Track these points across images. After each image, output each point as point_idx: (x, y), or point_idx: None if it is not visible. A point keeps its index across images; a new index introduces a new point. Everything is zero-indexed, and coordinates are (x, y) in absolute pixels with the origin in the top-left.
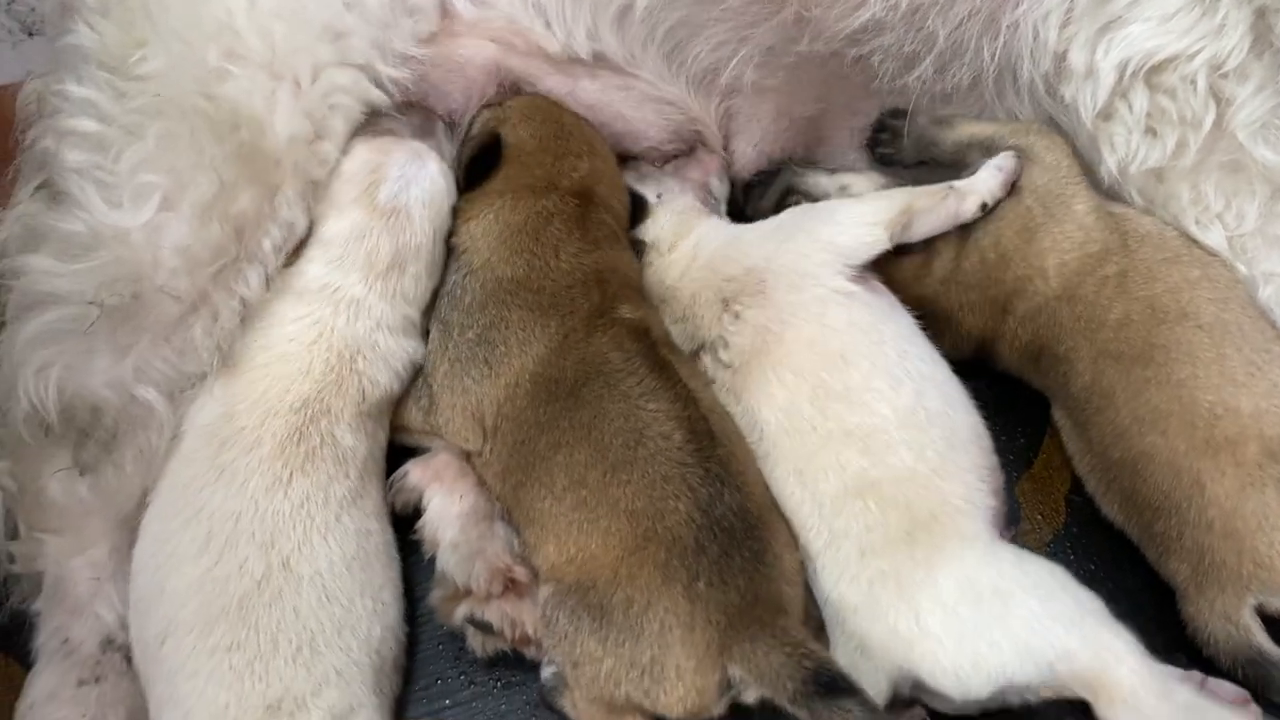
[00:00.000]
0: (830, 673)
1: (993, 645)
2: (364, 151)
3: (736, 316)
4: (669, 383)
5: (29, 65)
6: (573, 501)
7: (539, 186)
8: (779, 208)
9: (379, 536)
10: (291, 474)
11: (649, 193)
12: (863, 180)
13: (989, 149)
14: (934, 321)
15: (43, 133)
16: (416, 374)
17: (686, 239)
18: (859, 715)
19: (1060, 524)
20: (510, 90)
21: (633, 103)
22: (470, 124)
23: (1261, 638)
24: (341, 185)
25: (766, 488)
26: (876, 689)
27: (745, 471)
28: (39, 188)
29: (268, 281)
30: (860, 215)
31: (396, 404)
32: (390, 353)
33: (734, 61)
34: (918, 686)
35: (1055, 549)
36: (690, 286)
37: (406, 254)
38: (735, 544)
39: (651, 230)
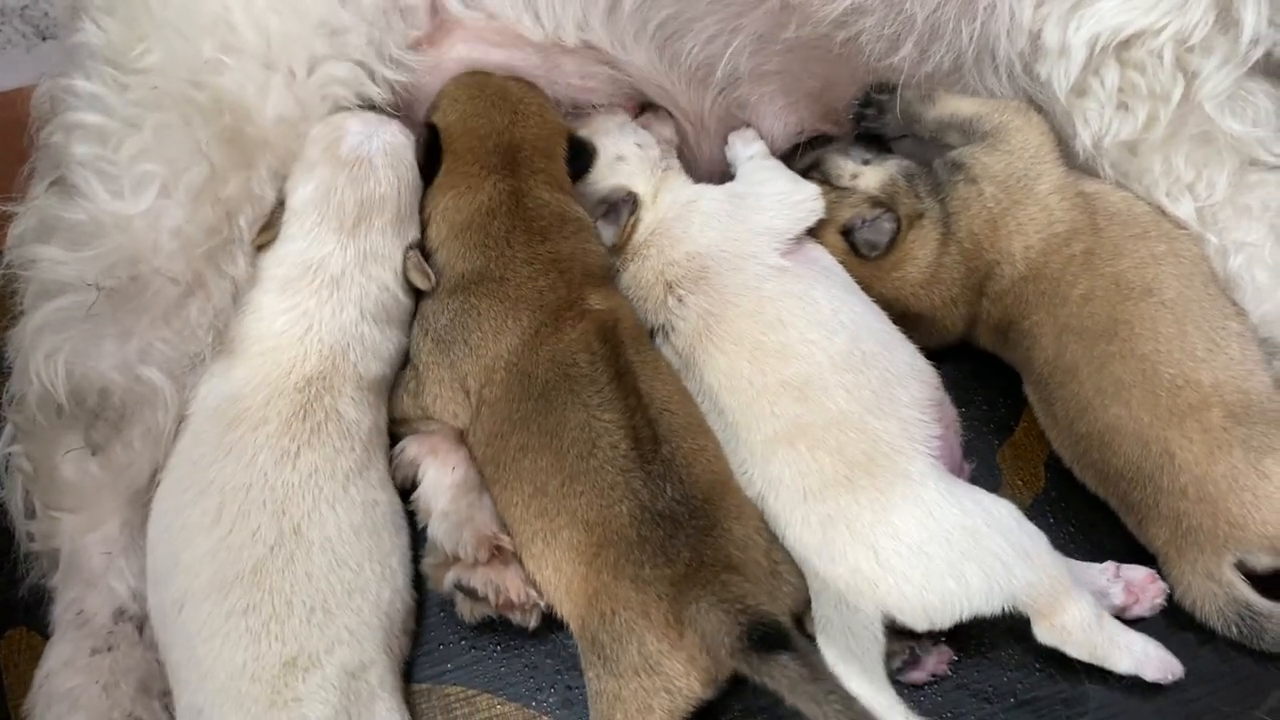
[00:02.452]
0: (766, 626)
1: (961, 582)
2: (327, 120)
3: (680, 300)
4: (623, 392)
5: (43, 68)
6: (537, 509)
7: (474, 172)
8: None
9: (385, 506)
10: (299, 448)
11: (625, 144)
12: (872, 170)
13: (966, 128)
14: (914, 322)
15: (54, 129)
16: (406, 361)
17: (664, 193)
18: (795, 669)
19: (1040, 488)
20: None
21: (618, 79)
22: None
23: (1246, 590)
24: (307, 149)
25: (718, 467)
26: (874, 627)
27: (693, 462)
28: (53, 183)
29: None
30: (788, 196)
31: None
32: (376, 345)
33: (728, 53)
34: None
35: (1035, 512)
36: (636, 267)
37: (372, 205)
38: (679, 526)
39: (640, 185)
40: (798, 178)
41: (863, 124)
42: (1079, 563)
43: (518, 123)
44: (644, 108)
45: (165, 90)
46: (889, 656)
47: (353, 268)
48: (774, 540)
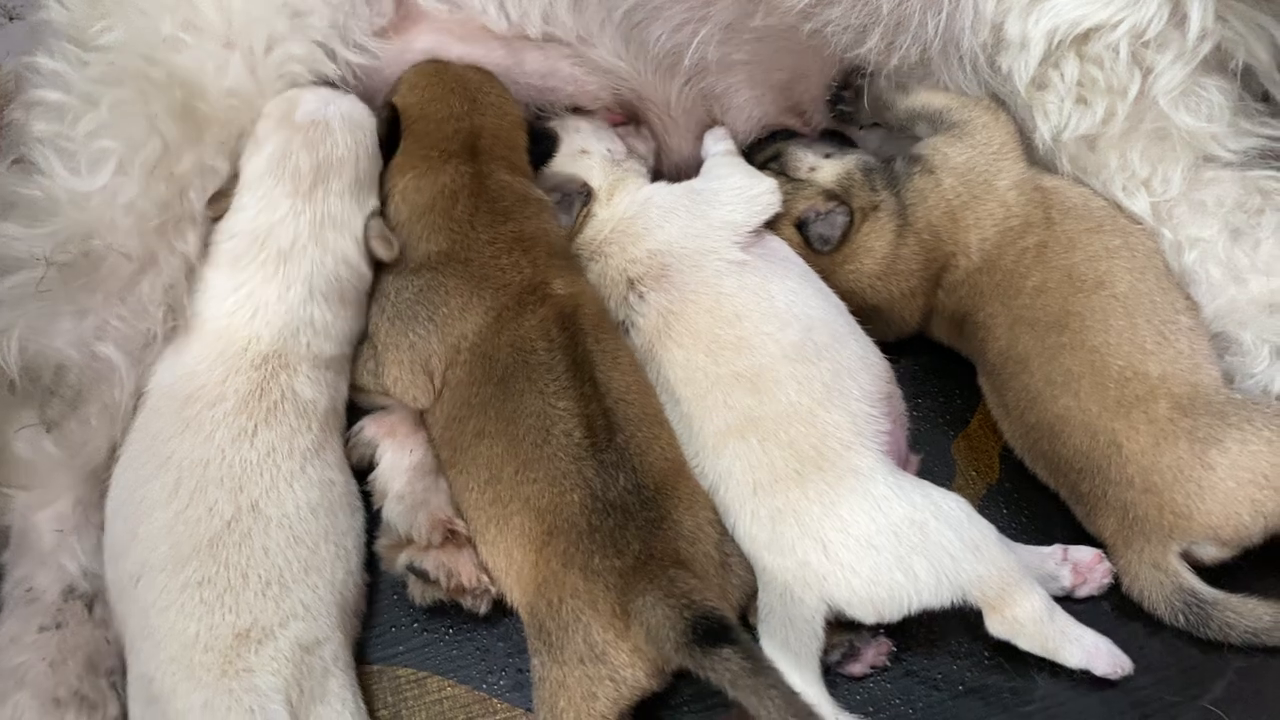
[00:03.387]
0: (710, 621)
1: (909, 575)
2: (281, 95)
3: (641, 297)
4: (579, 380)
5: (10, 49)
6: (491, 496)
7: (433, 155)
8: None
9: (342, 487)
10: (256, 426)
11: (594, 143)
12: (831, 164)
13: (935, 119)
14: (872, 314)
15: (16, 107)
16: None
17: (620, 193)
18: (738, 663)
19: (994, 479)
20: None
21: (583, 70)
22: None
23: (1190, 578)
24: (260, 123)
25: (673, 460)
26: (814, 621)
27: (646, 451)
28: (15, 161)
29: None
30: (745, 190)
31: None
32: (327, 325)
33: (695, 41)
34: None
35: (988, 502)
36: (600, 266)
37: (329, 167)
38: (629, 516)
39: (597, 179)
40: (755, 172)
41: (838, 106)
42: (1027, 547)
43: (476, 111)
44: (626, 121)
45: (123, 66)
46: (828, 649)
47: (305, 237)
48: (725, 533)
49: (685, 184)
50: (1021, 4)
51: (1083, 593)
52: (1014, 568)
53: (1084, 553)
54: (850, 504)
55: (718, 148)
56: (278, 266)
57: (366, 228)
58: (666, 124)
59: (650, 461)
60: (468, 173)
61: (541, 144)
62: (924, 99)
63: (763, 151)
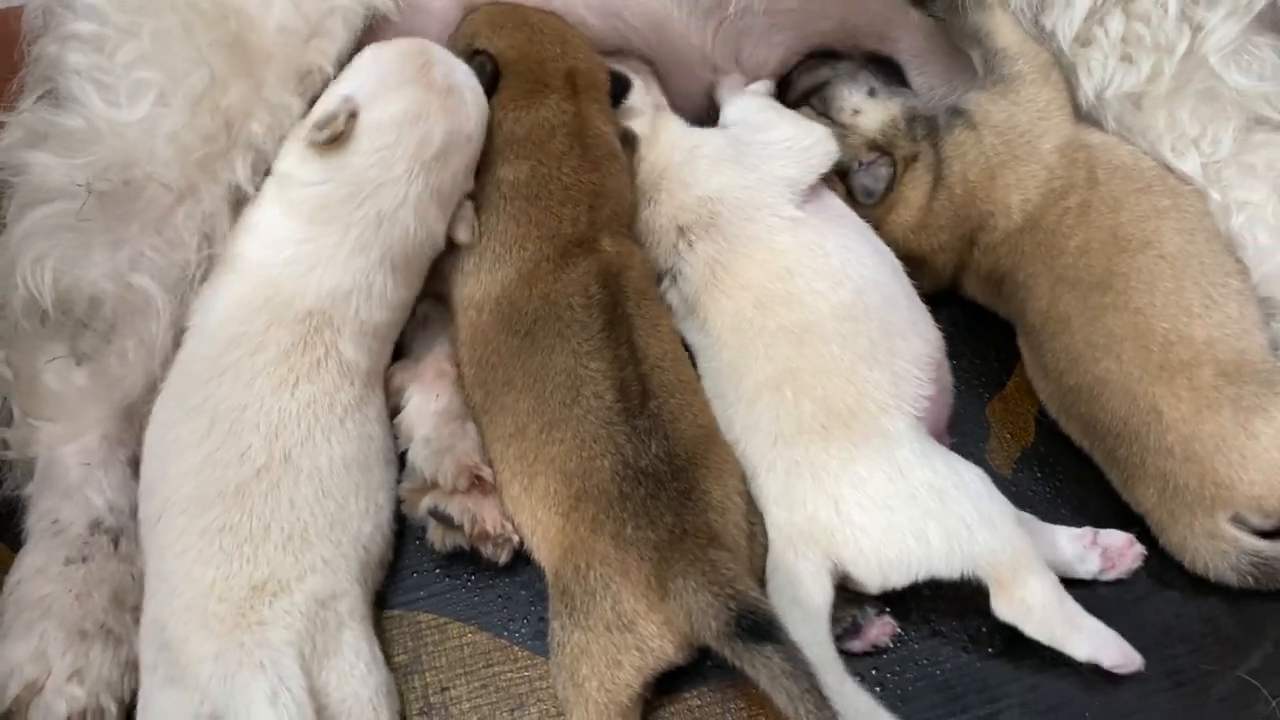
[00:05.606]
0: (755, 616)
1: (921, 540)
2: (400, 40)
3: (690, 245)
4: (615, 341)
5: None
6: (517, 452)
7: (537, 90)
8: (800, 104)
9: (380, 441)
10: (298, 378)
11: (637, 91)
12: (875, 107)
13: (989, 55)
14: (910, 263)
15: (49, 41)
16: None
17: (662, 133)
18: (779, 662)
19: (1028, 441)
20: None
21: (591, 14)
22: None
23: (1251, 539)
24: (385, 65)
25: (705, 426)
26: (819, 577)
27: (679, 419)
28: (42, 96)
29: (254, 169)
30: (797, 141)
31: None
32: (385, 293)
33: None
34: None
35: (1021, 467)
36: (649, 212)
37: (457, 140)
38: (661, 486)
39: (641, 125)
40: (802, 120)
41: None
42: (1056, 527)
43: (569, 52)
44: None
45: None
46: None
47: (409, 205)
48: (752, 502)
49: (728, 132)
50: None
51: (1110, 577)
52: (1028, 548)
53: (1115, 537)
54: (870, 463)
55: (747, 94)
56: (366, 228)
57: (460, 206)
58: (695, 65)
59: (682, 429)
60: (570, 110)
61: (615, 86)
62: (992, 25)
63: (801, 78)
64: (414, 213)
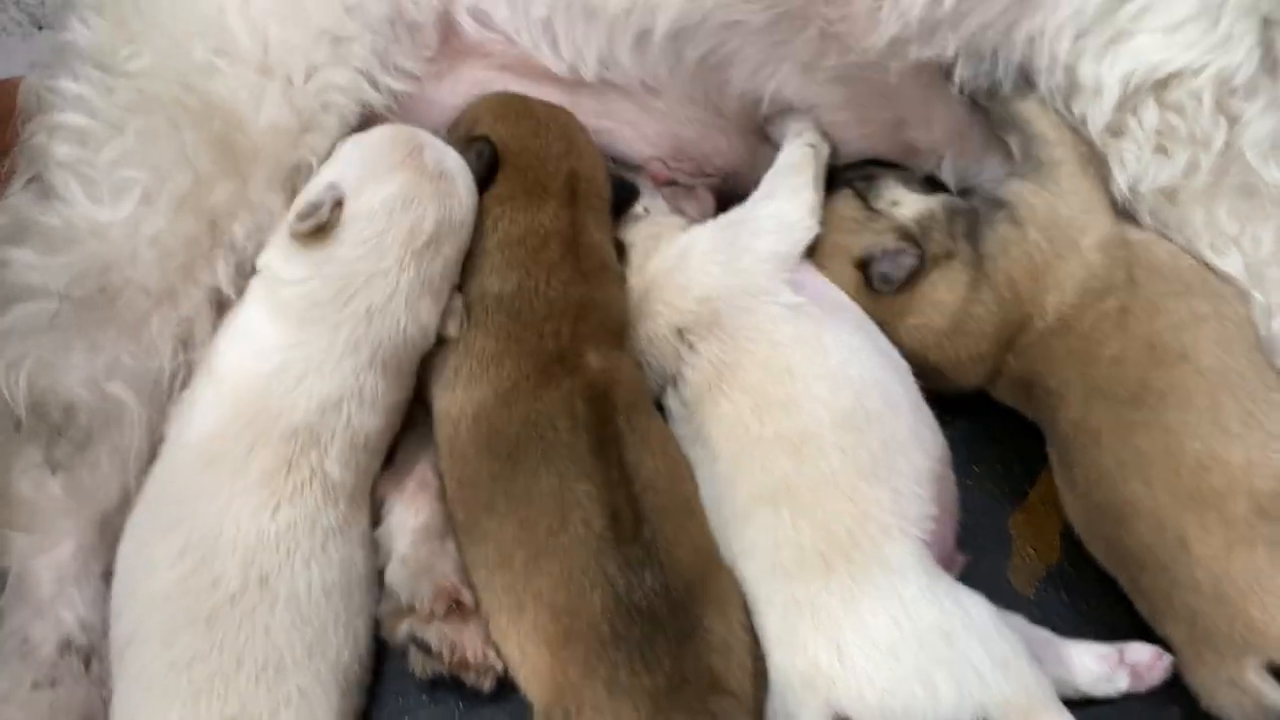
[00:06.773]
0: None
1: (929, 689)
2: (387, 126)
3: (691, 348)
4: (605, 463)
5: (37, 58)
6: (502, 583)
7: (536, 191)
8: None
9: (362, 565)
10: (279, 502)
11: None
12: (915, 200)
13: (1025, 142)
14: (929, 373)
15: (38, 128)
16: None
17: (660, 249)
18: None
19: (1054, 560)
20: None
21: (647, 122)
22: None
23: (1275, 695)
24: (373, 150)
25: (705, 551)
26: None
27: (675, 545)
28: (30, 180)
29: (237, 270)
30: (784, 215)
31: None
32: (377, 396)
33: (772, 84)
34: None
35: (1046, 586)
36: (647, 326)
37: (448, 228)
38: (658, 626)
39: (633, 237)
40: (798, 191)
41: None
42: (1082, 644)
43: (573, 152)
44: (673, 182)
45: (153, 94)
46: None
47: (400, 298)
48: (754, 635)
49: (726, 216)
50: (1097, 45)
51: (1138, 688)
52: (1043, 688)
53: (1142, 651)
54: (874, 603)
55: (793, 143)
56: (356, 325)
57: (451, 298)
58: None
59: (679, 556)
60: (566, 218)
61: (619, 195)
62: (1030, 112)
63: (854, 170)
64: (405, 306)
